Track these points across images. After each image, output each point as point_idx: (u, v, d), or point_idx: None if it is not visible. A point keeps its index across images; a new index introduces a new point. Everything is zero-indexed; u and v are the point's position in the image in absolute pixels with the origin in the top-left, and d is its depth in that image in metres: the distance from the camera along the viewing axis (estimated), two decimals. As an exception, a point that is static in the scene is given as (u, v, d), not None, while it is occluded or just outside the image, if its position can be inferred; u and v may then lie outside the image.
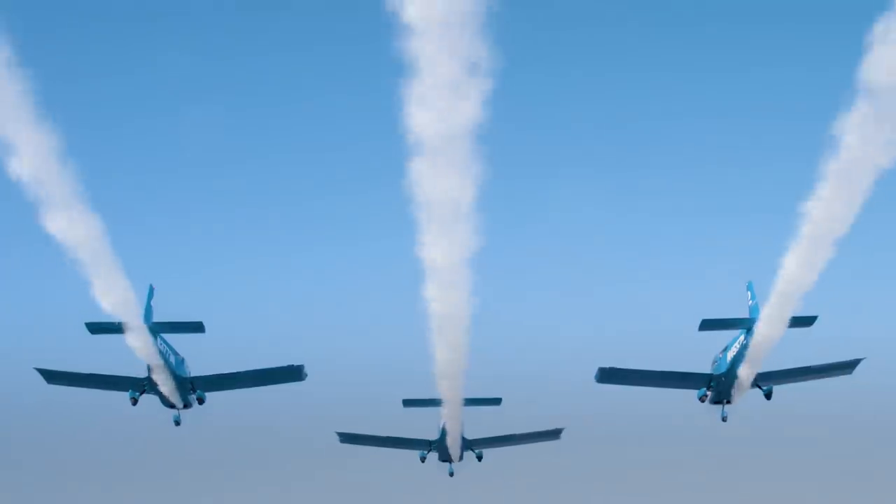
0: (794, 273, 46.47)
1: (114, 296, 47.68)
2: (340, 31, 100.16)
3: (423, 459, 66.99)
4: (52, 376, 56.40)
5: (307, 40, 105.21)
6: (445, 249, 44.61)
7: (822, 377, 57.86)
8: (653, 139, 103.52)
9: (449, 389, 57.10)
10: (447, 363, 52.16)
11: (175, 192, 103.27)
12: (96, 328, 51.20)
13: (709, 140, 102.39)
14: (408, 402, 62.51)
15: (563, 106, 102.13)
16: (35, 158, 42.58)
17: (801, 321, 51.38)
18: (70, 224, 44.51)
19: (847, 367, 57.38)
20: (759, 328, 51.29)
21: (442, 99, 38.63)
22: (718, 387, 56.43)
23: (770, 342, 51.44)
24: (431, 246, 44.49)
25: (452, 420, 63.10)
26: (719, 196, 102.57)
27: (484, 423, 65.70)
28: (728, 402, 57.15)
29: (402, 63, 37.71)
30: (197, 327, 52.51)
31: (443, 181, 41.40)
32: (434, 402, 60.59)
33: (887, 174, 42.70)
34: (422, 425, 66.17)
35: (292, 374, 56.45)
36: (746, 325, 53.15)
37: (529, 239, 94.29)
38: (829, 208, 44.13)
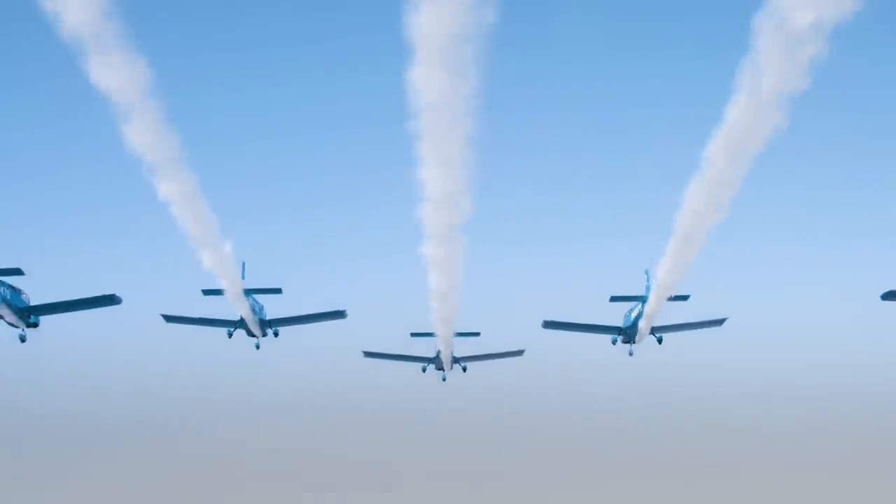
0: (667, 271, 65.76)
1: (222, 271, 69.28)
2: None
3: (424, 370, 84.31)
4: (170, 319, 77.18)
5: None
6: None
7: (700, 328, 79.89)
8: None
9: (442, 327, 75.58)
10: (441, 308, 69.86)
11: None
12: (208, 292, 72.70)
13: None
14: (414, 334, 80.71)
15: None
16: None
17: (678, 298, 73.55)
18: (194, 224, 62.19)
19: (717, 322, 79.00)
20: (648, 303, 73.49)
21: None
22: (626, 334, 78.16)
23: (656, 312, 73.59)
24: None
25: (445, 345, 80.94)
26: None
27: (469, 345, 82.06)
28: (633, 343, 78.73)
29: None
30: (276, 290, 75.15)
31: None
32: (432, 335, 78.79)
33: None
34: (423, 349, 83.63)
35: (337, 314, 76.59)
36: (641, 300, 74.95)
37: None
38: (695, 216, 56.58)
